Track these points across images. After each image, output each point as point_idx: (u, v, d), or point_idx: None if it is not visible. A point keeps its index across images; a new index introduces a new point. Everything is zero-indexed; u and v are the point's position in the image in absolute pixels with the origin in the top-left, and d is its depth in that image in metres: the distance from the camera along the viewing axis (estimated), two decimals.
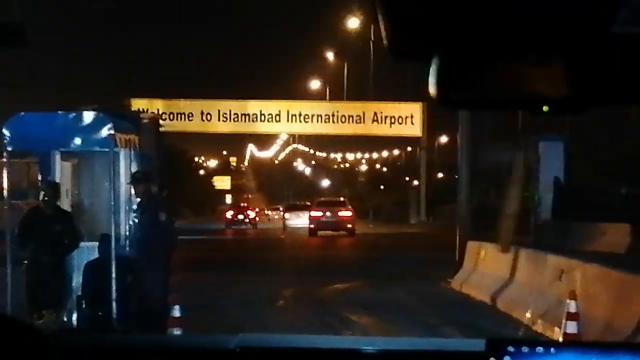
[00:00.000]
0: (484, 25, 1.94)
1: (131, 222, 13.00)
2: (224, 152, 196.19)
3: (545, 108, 2.05)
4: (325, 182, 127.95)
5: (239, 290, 20.45)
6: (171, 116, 54.87)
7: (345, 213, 48.19)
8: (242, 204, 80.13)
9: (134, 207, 12.99)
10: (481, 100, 2.10)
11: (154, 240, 12.43)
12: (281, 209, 76.76)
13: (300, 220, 57.18)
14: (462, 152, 24.28)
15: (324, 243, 42.77)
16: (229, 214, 69.59)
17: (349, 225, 47.68)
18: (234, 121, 55.53)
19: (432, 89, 2.04)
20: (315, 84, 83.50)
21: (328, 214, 47.91)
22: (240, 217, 68.27)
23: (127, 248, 13.01)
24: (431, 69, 2.03)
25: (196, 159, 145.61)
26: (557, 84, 2.01)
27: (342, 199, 54.76)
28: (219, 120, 55.53)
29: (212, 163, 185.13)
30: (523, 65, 2.01)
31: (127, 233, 13.16)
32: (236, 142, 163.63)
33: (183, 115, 55.29)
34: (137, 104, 55.42)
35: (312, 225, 47.96)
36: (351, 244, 41.97)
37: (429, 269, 24.67)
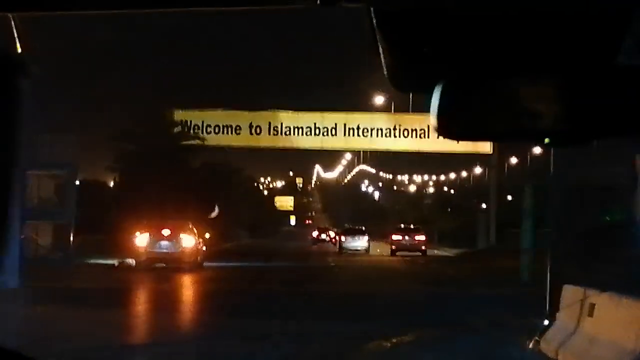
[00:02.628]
0: (484, 59, 1.95)
1: None
2: (290, 173, 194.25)
3: (546, 140, 2.05)
4: (391, 204, 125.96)
5: (248, 346, 15.41)
6: (216, 129, 50.04)
7: (420, 237, 58.85)
8: (307, 222, 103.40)
9: None
10: (482, 131, 2.10)
11: None
12: (334, 231, 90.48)
13: (355, 243, 63.11)
14: (554, 165, 18.58)
15: (382, 270, 41.12)
16: (315, 234, 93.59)
17: (423, 247, 57.93)
18: (286, 135, 50.07)
19: (432, 120, 2.05)
20: (379, 100, 78.36)
21: (406, 237, 58.84)
22: (323, 236, 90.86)
23: None
24: (432, 99, 2.03)
25: (262, 179, 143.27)
26: (559, 115, 1.95)
27: (416, 225, 64.58)
28: (269, 133, 50.08)
29: (279, 184, 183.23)
30: (525, 97, 1.97)
31: None
32: (303, 162, 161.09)
33: (230, 128, 50.06)
34: (180, 115, 50.77)
35: (393, 247, 58.39)
36: (411, 273, 39.48)
37: (505, 313, 19.77)
